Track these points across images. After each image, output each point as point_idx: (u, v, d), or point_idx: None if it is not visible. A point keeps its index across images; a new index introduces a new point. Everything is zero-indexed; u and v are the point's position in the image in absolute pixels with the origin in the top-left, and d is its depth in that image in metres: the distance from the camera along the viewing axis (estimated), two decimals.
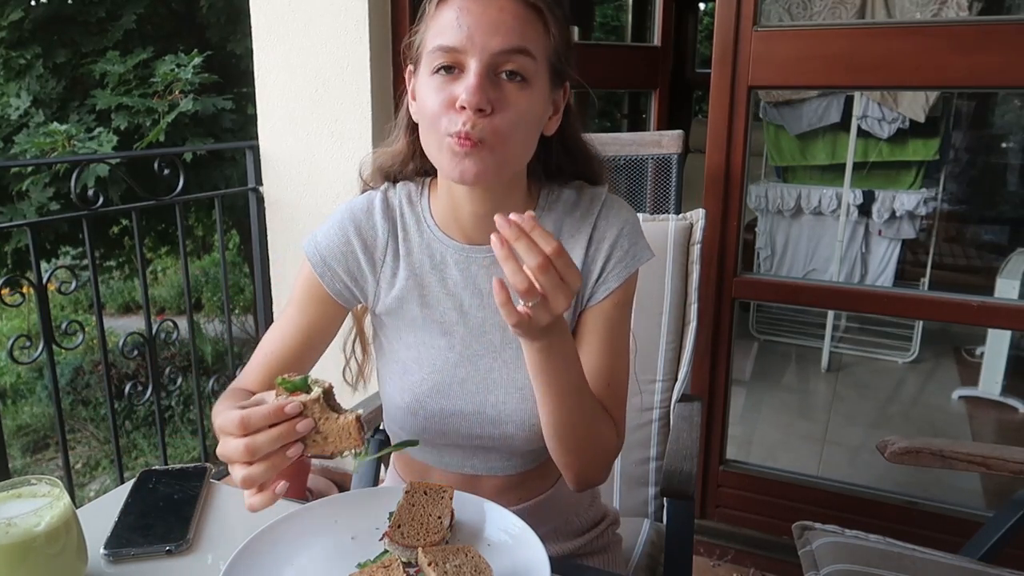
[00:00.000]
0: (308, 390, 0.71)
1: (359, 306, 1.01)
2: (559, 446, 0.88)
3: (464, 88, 0.78)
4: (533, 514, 0.98)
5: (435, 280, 0.93)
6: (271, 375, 0.88)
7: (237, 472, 0.67)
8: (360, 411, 0.71)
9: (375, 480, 1.28)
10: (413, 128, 0.92)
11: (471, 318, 0.93)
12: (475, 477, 0.98)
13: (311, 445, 0.70)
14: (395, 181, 0.98)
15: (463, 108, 0.77)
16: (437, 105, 0.80)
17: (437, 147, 0.82)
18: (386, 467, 1.21)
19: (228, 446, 0.67)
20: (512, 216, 0.69)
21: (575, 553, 1.08)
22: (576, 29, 3.87)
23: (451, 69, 0.80)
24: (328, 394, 0.72)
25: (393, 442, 1.04)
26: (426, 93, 0.82)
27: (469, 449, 0.97)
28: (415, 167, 0.97)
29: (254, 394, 0.80)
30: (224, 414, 0.68)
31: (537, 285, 0.69)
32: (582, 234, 0.92)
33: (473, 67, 0.78)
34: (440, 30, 0.80)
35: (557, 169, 0.96)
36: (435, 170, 0.93)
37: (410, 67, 0.89)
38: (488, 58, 0.78)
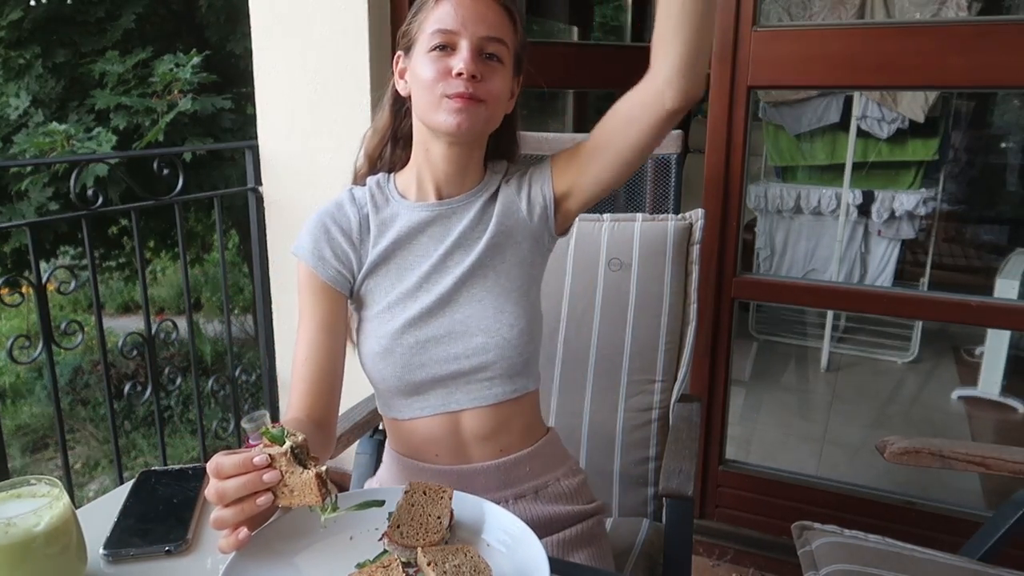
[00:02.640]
0: (283, 443, 0.74)
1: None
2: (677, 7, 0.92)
3: (461, 59, 0.97)
4: (513, 469, 1.06)
5: (406, 237, 1.06)
6: (314, 390, 1.01)
7: (212, 513, 0.74)
8: (324, 467, 0.74)
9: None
10: (396, 102, 1.10)
11: (435, 258, 1.05)
12: (457, 416, 1.05)
13: (280, 496, 0.73)
14: (376, 169, 1.14)
15: (459, 75, 0.96)
16: (435, 72, 0.97)
17: (434, 106, 0.98)
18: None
19: (207, 488, 0.74)
20: None
21: (556, 519, 1.09)
22: (575, 29, 3.88)
23: (445, 48, 0.98)
24: (301, 448, 0.74)
25: (393, 429, 1.11)
26: (424, 64, 0.99)
27: (448, 380, 1.04)
28: (392, 146, 1.13)
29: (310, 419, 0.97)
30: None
31: None
32: (516, 176, 1.11)
33: (465, 46, 0.97)
34: (438, 18, 0.98)
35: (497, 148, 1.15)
36: (402, 163, 1.11)
37: (400, 52, 1.06)
38: (477, 41, 0.98)
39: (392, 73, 1.09)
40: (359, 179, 1.14)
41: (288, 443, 0.74)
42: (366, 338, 1.06)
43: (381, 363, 1.04)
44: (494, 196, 1.09)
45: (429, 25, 0.99)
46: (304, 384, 1.01)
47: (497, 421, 1.05)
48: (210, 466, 0.74)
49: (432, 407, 1.05)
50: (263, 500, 0.73)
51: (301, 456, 0.74)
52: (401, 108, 1.10)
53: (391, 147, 1.13)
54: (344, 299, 1.06)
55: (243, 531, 0.73)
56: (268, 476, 0.72)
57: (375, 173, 1.12)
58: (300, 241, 1.06)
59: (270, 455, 0.73)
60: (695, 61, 0.95)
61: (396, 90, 1.08)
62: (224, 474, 0.73)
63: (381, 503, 0.82)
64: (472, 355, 1.02)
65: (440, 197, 1.07)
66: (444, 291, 1.04)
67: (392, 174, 1.12)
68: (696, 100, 0.99)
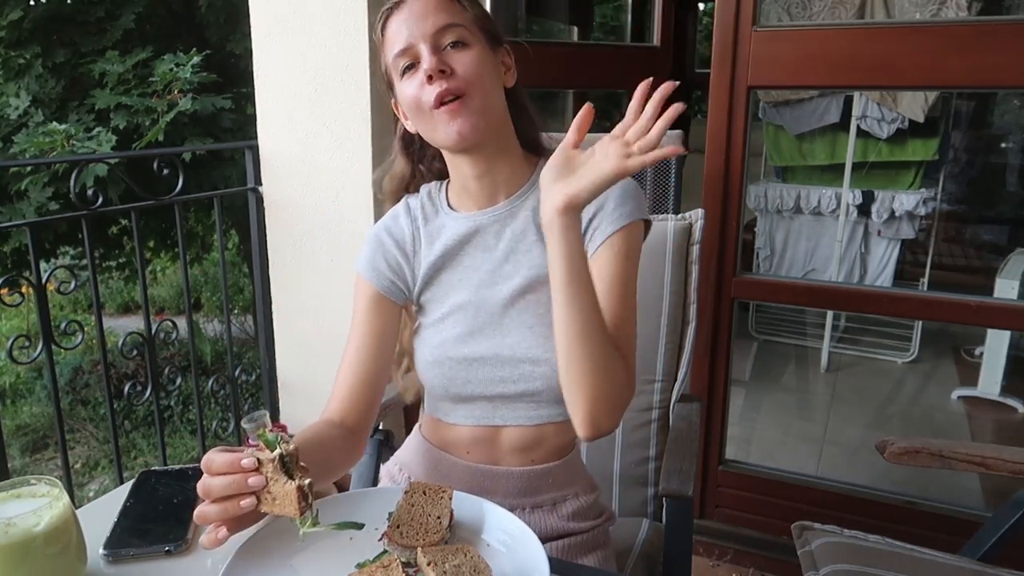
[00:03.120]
0: (275, 448, 0.74)
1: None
2: (574, 367, 0.90)
3: (424, 63, 0.95)
4: (539, 479, 1.07)
5: (456, 249, 1.06)
6: (354, 396, 1.02)
7: (197, 507, 0.75)
8: (308, 481, 0.73)
9: (374, 480, 1.28)
10: (406, 143, 1.12)
11: (483, 272, 1.05)
12: (499, 429, 1.06)
13: (263, 502, 0.74)
14: (399, 198, 1.14)
15: (430, 77, 0.94)
16: (415, 91, 0.96)
17: (432, 126, 0.97)
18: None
19: (200, 486, 0.74)
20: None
21: (567, 534, 1.09)
22: (575, 29, 3.88)
23: (412, 66, 0.97)
24: (291, 457, 0.74)
25: (430, 420, 1.12)
26: (405, 92, 0.98)
27: (494, 398, 1.04)
28: (418, 181, 1.14)
29: (339, 422, 1.00)
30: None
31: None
32: None
33: (423, 49, 0.96)
34: (392, 42, 0.98)
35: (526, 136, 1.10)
36: (445, 174, 1.10)
37: (392, 95, 1.05)
38: (430, 39, 0.96)
39: (395, 118, 1.09)
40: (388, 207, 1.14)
41: (278, 450, 0.73)
42: (421, 344, 1.08)
43: (431, 371, 1.06)
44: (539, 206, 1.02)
45: (390, 53, 0.99)
46: (345, 389, 1.03)
47: (537, 438, 1.07)
48: (203, 460, 0.74)
49: (476, 418, 1.07)
50: (246, 503, 0.73)
51: (290, 465, 0.74)
52: (412, 147, 1.12)
53: (415, 179, 1.14)
54: (398, 310, 1.08)
55: (222, 530, 0.73)
56: (253, 480, 0.73)
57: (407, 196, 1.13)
58: (360, 254, 1.09)
59: (258, 459, 0.73)
60: (597, 414, 0.92)
61: (404, 131, 1.09)
62: (213, 470, 0.73)
63: (360, 526, 0.81)
64: (519, 381, 1.02)
65: (479, 205, 1.06)
66: (494, 310, 1.03)
67: (443, 184, 1.12)
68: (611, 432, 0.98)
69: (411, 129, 1.05)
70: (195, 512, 0.74)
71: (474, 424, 1.07)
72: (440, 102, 0.94)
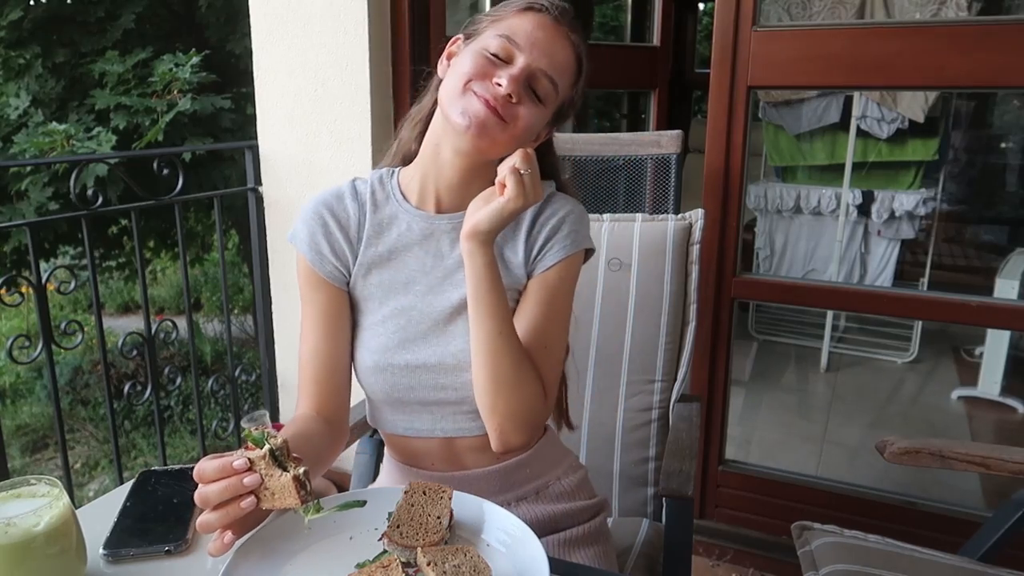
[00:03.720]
0: (263, 445, 0.74)
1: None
2: (487, 381, 0.95)
3: (508, 75, 0.93)
4: (513, 473, 1.05)
5: (403, 246, 1.03)
6: (321, 387, 1.01)
7: (198, 517, 0.75)
8: (303, 470, 0.74)
9: (372, 480, 1.28)
10: (438, 86, 1.05)
11: (432, 278, 1.02)
12: (450, 440, 1.04)
13: (262, 499, 0.74)
14: (405, 162, 1.09)
15: (499, 86, 0.92)
16: (476, 69, 0.94)
17: (458, 95, 0.94)
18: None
19: (196, 495, 0.75)
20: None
21: (559, 517, 1.09)
22: None
23: (499, 59, 0.94)
24: (280, 451, 0.74)
25: (390, 438, 1.10)
26: (470, 58, 0.95)
27: (436, 407, 1.02)
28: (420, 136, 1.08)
29: (326, 416, 1.00)
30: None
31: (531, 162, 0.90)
32: (528, 215, 1.04)
33: (520, 64, 0.94)
34: (511, 27, 0.96)
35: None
36: (411, 158, 1.07)
37: (459, 36, 1.02)
38: (532, 68, 0.94)
39: (442, 53, 1.04)
40: (394, 163, 1.10)
41: (267, 446, 0.74)
42: (360, 347, 1.03)
43: (372, 377, 1.03)
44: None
45: (500, 28, 0.96)
46: (311, 382, 1.01)
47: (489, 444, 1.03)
48: (196, 471, 0.74)
49: (416, 430, 1.05)
50: (246, 503, 0.73)
51: (281, 458, 0.74)
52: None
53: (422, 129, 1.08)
54: (346, 293, 1.04)
55: (228, 535, 0.73)
56: (248, 480, 0.72)
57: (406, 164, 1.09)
58: (296, 229, 1.04)
59: (249, 459, 0.73)
60: (507, 431, 0.97)
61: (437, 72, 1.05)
62: (206, 479, 0.73)
63: (363, 503, 0.82)
64: (459, 388, 1.00)
65: (440, 208, 1.03)
66: (440, 317, 1.01)
67: (397, 170, 1.08)
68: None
69: (440, 73, 1.02)
70: (197, 522, 0.74)
71: (417, 436, 1.05)
72: (487, 104, 0.92)
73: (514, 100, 0.93)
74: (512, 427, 0.97)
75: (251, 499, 0.73)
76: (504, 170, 0.90)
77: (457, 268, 1.01)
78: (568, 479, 1.12)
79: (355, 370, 1.06)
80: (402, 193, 1.05)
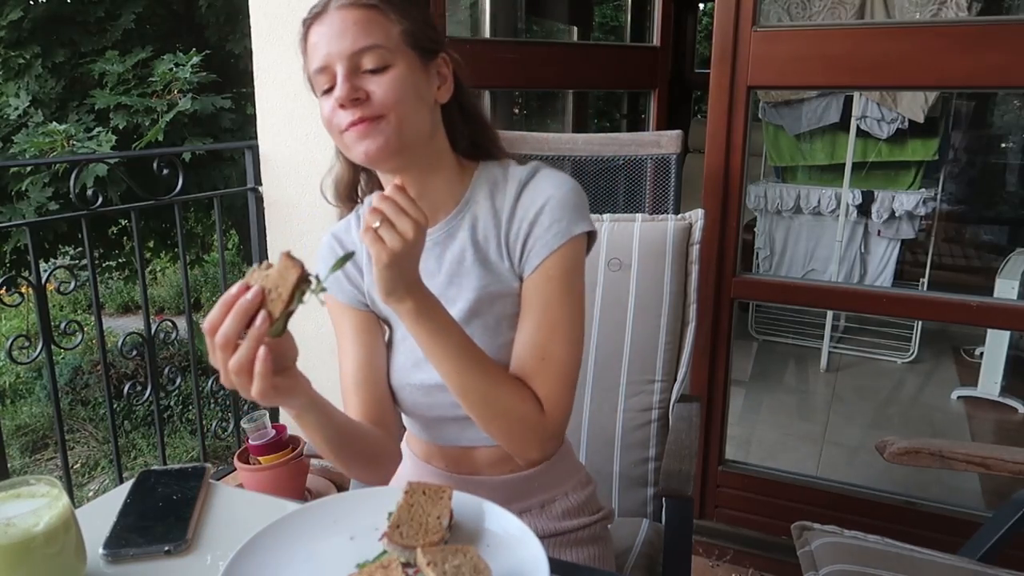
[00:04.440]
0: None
1: None
2: (470, 412, 0.94)
3: (337, 88, 0.89)
4: (522, 484, 1.05)
5: None
6: (366, 402, 1.01)
7: (228, 376, 0.75)
8: (296, 259, 0.76)
9: None
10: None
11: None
12: (470, 449, 1.04)
13: (272, 308, 0.75)
14: (355, 201, 1.08)
15: (342, 106, 0.89)
16: (328, 112, 0.92)
17: (344, 146, 0.93)
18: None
19: (215, 361, 0.75)
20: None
21: (562, 534, 1.08)
22: (575, 29, 3.88)
23: (330, 89, 0.91)
24: (269, 265, 0.76)
25: (410, 434, 1.12)
26: (323, 109, 0.93)
27: (458, 420, 1.01)
28: (364, 183, 1.08)
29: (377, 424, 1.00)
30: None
31: (380, 208, 0.82)
32: (503, 211, 0.98)
33: (339, 71, 0.89)
34: (312, 57, 0.92)
35: (470, 144, 1.04)
36: None
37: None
38: (346, 60, 0.89)
39: None
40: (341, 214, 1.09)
41: (255, 265, 0.76)
42: (390, 361, 1.04)
43: (396, 394, 1.04)
44: (477, 220, 0.99)
45: (310, 66, 0.93)
46: (354, 393, 1.02)
47: (508, 455, 1.02)
48: (205, 327, 0.75)
49: (445, 439, 1.05)
50: (259, 321, 0.73)
51: (273, 265, 0.76)
52: None
53: (360, 183, 1.08)
54: (372, 313, 1.04)
55: (264, 363, 0.74)
56: (250, 294, 0.74)
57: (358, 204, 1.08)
58: (318, 265, 1.05)
59: (245, 284, 0.75)
60: (514, 449, 0.97)
61: None
62: (216, 323, 0.74)
63: (351, 254, 0.86)
64: None
65: None
66: None
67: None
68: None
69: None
70: (229, 368, 0.74)
71: (443, 445, 1.05)
72: (353, 126, 0.89)
73: (363, 98, 0.89)
74: (516, 449, 0.97)
75: (263, 315, 0.74)
76: (361, 229, 0.84)
77: (447, 284, 0.99)
78: (575, 495, 1.11)
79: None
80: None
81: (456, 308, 0.97)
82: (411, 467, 1.11)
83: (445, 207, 1.00)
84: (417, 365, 1.00)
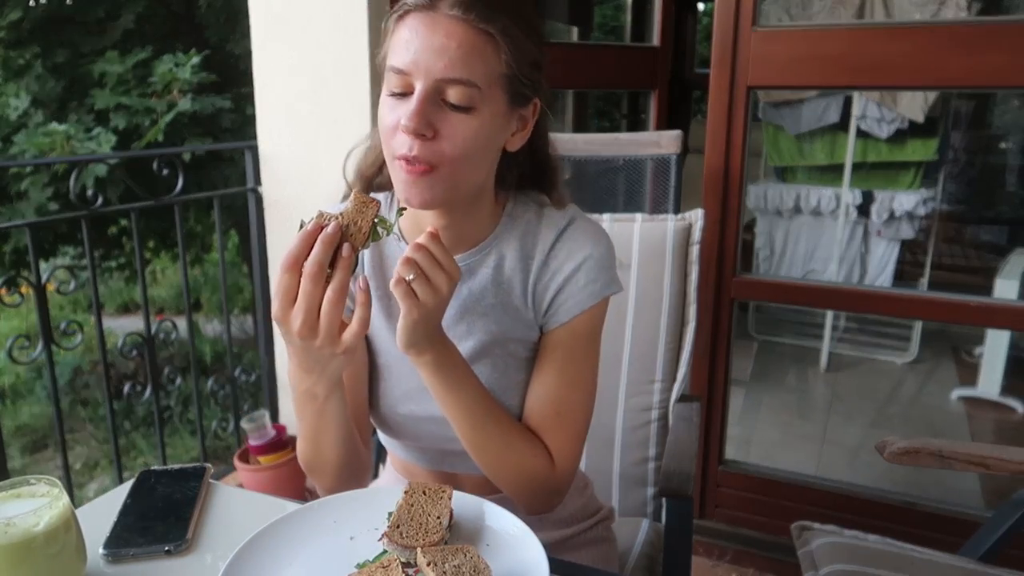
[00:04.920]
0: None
1: None
2: (479, 463, 0.93)
3: (406, 111, 0.79)
4: (511, 504, 1.00)
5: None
6: (354, 404, 0.97)
7: (312, 312, 0.75)
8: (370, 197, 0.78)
9: (372, 477, 1.28)
10: None
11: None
12: (455, 475, 1.02)
13: (355, 239, 0.77)
14: (372, 186, 1.01)
15: (405, 131, 0.79)
16: (389, 125, 0.82)
17: (391, 166, 0.85)
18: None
19: (301, 304, 0.75)
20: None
21: (562, 541, 1.08)
22: (575, 29, 3.88)
23: (402, 94, 0.81)
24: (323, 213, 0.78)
25: (392, 454, 1.09)
26: (382, 111, 0.84)
27: (444, 451, 0.99)
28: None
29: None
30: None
31: (415, 260, 0.78)
32: (535, 259, 0.93)
33: (417, 90, 0.79)
34: (395, 49, 0.81)
35: (520, 181, 0.97)
36: None
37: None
38: (432, 83, 0.79)
39: None
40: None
41: (343, 207, 0.77)
42: (376, 387, 0.99)
43: (375, 419, 1.00)
44: (501, 262, 0.93)
45: (389, 56, 0.82)
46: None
47: None
48: (288, 261, 0.75)
49: (427, 461, 1.03)
50: (346, 250, 0.74)
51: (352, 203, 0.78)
52: None
53: (386, 170, 0.98)
54: None
55: (361, 281, 0.75)
56: (332, 226, 0.74)
57: (375, 190, 0.99)
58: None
59: (318, 224, 0.76)
60: (521, 502, 0.95)
61: None
62: (300, 255, 0.74)
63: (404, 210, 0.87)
64: None
65: None
66: None
67: (395, 200, 0.98)
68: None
69: None
70: (327, 297, 0.75)
71: (428, 469, 1.03)
72: (406, 160, 0.80)
73: (430, 135, 0.79)
74: (523, 500, 0.95)
75: (347, 245, 0.75)
76: (393, 280, 0.79)
77: (458, 320, 0.94)
78: (572, 502, 1.09)
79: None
80: (400, 230, 0.95)
81: (465, 345, 0.94)
82: (395, 483, 1.08)
83: (469, 240, 0.93)
84: (407, 396, 0.97)
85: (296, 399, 0.88)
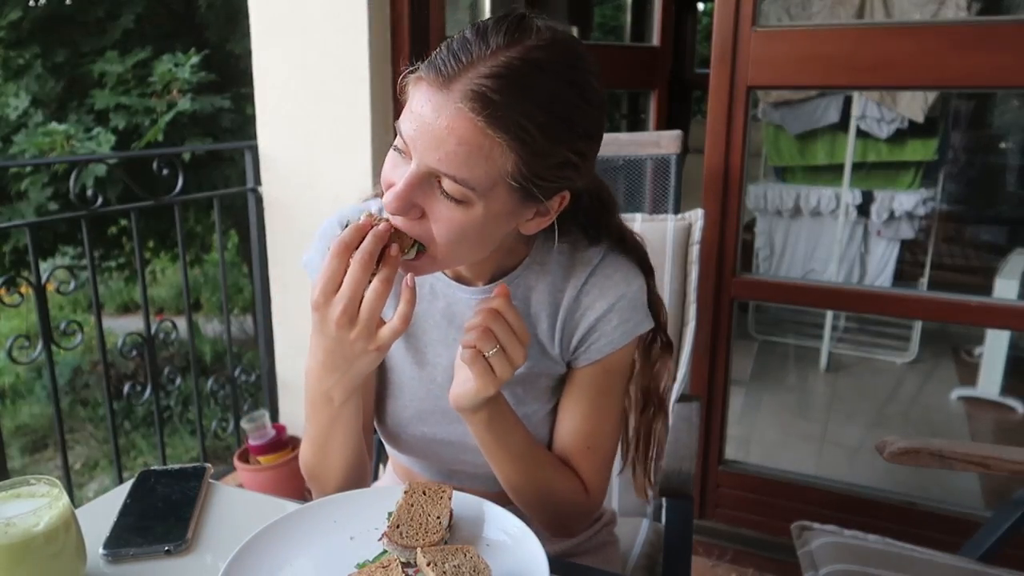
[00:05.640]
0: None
1: None
2: (517, 502, 0.92)
3: (393, 188, 0.74)
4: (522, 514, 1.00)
5: (422, 310, 0.93)
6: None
7: (354, 300, 0.74)
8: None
9: (372, 479, 1.28)
10: None
11: (453, 351, 0.87)
12: (462, 488, 1.00)
13: (402, 243, 0.76)
14: None
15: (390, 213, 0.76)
16: (388, 173, 0.78)
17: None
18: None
19: (346, 291, 0.73)
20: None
21: (568, 550, 1.08)
22: (575, 29, 3.88)
23: (401, 151, 0.76)
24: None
25: (396, 462, 1.07)
26: (386, 163, 0.79)
27: (454, 472, 0.99)
28: None
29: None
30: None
31: (493, 330, 0.76)
32: (565, 295, 0.90)
33: (410, 169, 0.73)
34: (406, 110, 0.75)
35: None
36: None
37: None
38: (423, 169, 0.73)
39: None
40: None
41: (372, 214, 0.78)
42: (386, 403, 0.98)
43: (386, 437, 0.99)
44: (531, 293, 0.90)
45: (403, 112, 0.76)
46: None
47: (504, 495, 0.99)
48: (337, 251, 0.74)
49: (432, 475, 1.02)
50: (394, 249, 0.74)
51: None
52: None
53: None
54: None
55: (408, 278, 0.75)
56: (383, 225, 0.74)
57: None
58: (311, 255, 0.94)
59: (369, 222, 0.76)
60: (554, 530, 0.95)
61: None
62: (351, 244, 0.73)
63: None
64: (480, 467, 0.93)
65: (460, 278, 0.91)
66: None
67: None
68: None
69: None
70: (373, 287, 0.74)
71: (433, 478, 1.01)
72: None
73: (418, 215, 0.75)
74: (556, 529, 0.96)
75: (395, 245, 0.75)
76: (464, 348, 0.77)
77: None
78: None
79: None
80: None
81: None
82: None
83: (494, 271, 0.91)
84: (420, 418, 0.96)
85: (310, 402, 0.85)
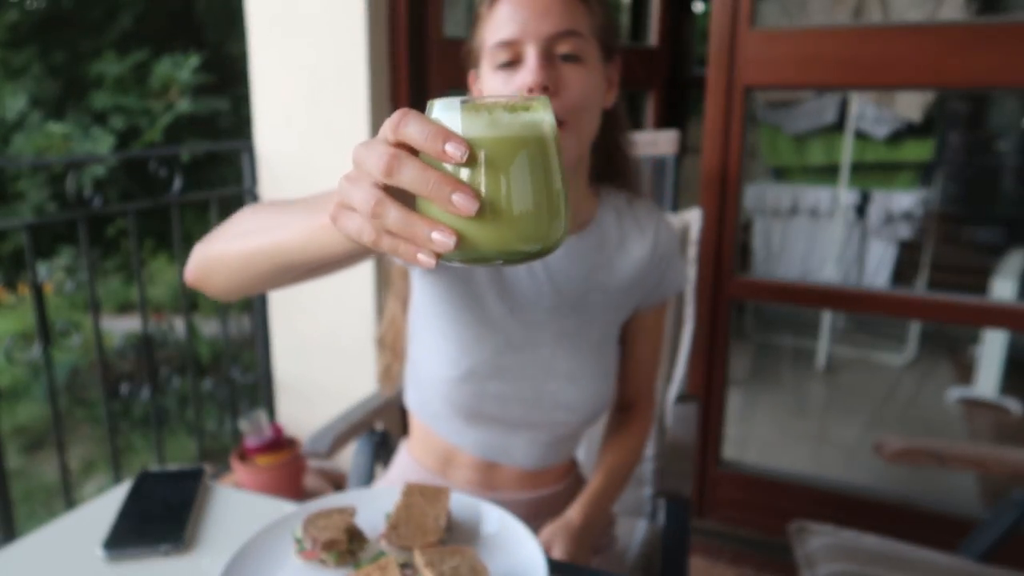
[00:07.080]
0: None
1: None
2: None
3: (527, 71, 0.82)
4: (534, 507, 1.04)
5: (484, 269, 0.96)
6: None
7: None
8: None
9: (370, 480, 1.28)
10: None
11: (542, 297, 0.94)
12: (495, 465, 1.01)
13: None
14: None
15: (530, 91, 0.81)
16: (501, 91, 0.84)
17: None
18: None
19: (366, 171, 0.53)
20: None
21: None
22: None
23: (511, 64, 0.84)
24: None
25: (416, 420, 1.06)
26: (492, 87, 0.86)
27: (512, 433, 0.98)
28: None
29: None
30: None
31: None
32: (646, 239, 1.00)
33: (531, 52, 0.83)
34: (497, 27, 0.85)
35: (600, 176, 1.02)
36: None
37: (472, 71, 0.93)
38: (544, 42, 0.83)
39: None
40: None
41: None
42: (437, 357, 0.95)
43: (452, 388, 0.94)
44: (605, 245, 0.95)
45: (490, 36, 0.85)
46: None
47: (531, 476, 1.03)
48: (388, 132, 0.52)
49: (482, 447, 0.99)
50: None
51: None
52: None
53: None
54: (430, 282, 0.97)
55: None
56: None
57: None
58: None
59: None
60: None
61: None
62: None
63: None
64: (549, 425, 0.97)
65: None
66: (540, 346, 0.94)
67: None
68: None
69: None
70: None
71: (477, 455, 1.00)
72: None
73: (552, 89, 0.82)
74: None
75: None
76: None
77: (577, 300, 0.94)
78: None
79: (420, 373, 0.98)
80: None
81: (559, 327, 0.95)
82: (416, 479, 1.06)
83: (574, 224, 0.94)
84: (498, 372, 0.94)
85: (298, 218, 0.70)
